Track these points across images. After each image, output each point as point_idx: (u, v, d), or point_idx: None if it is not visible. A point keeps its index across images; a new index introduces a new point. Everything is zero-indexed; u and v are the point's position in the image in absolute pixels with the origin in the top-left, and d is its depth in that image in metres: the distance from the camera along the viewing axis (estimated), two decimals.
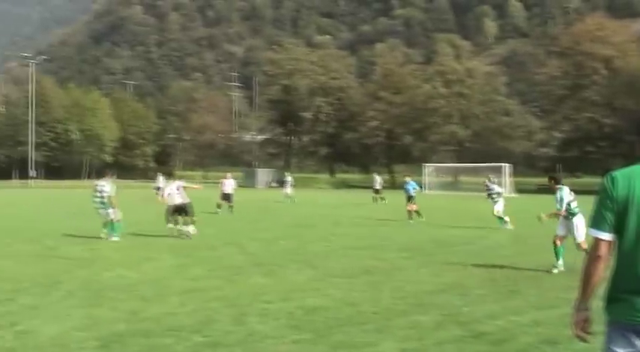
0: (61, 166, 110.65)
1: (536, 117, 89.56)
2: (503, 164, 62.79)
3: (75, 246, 16.54)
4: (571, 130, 78.82)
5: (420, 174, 73.08)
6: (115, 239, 18.02)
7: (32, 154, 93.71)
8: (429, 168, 69.47)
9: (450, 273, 11.70)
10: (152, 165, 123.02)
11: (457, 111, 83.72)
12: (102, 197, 18.50)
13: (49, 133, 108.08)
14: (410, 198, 26.59)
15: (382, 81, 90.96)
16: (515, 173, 69.98)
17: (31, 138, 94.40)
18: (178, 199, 19.16)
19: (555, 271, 12.10)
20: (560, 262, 12.34)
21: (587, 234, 11.31)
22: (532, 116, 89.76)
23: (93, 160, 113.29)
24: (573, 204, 12.68)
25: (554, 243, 12.59)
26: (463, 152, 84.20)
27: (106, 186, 18.72)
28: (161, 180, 45.24)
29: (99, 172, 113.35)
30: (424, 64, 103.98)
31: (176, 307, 8.95)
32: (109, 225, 18.40)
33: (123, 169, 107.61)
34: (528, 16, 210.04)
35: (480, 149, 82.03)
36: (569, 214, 12.57)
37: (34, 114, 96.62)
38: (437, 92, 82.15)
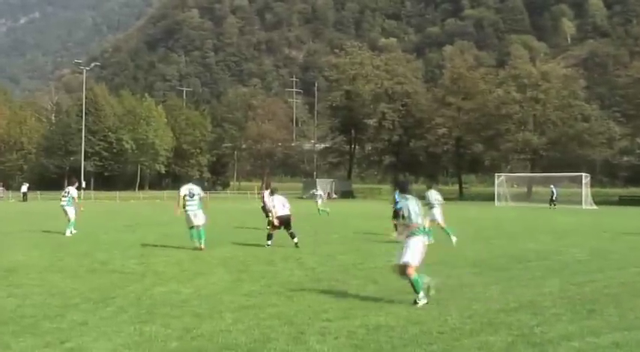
0: (112, 176, 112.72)
1: (617, 122, 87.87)
2: (581, 173, 61.76)
3: (127, 259, 16.76)
4: None
5: (491, 184, 72.39)
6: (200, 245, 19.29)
7: (82, 164, 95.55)
8: (500, 177, 68.71)
9: (522, 290, 11.51)
10: (207, 175, 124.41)
11: (532, 117, 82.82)
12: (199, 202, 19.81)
13: (101, 142, 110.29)
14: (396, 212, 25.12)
15: (451, 85, 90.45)
16: (595, 183, 68.90)
17: (83, 147, 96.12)
18: (287, 211, 20.15)
19: (420, 303, 10.36)
20: (422, 294, 10.47)
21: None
22: (613, 122, 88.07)
23: (146, 170, 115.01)
24: (422, 220, 10.86)
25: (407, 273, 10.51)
26: (538, 161, 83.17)
27: (202, 192, 20.14)
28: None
29: (152, 183, 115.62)
30: (496, 67, 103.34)
31: (230, 324, 8.98)
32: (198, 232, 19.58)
33: (177, 180, 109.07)
34: (609, 15, 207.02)
35: (556, 157, 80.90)
36: (414, 232, 10.65)
37: (85, 123, 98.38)
38: (510, 97, 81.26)
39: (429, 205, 21.65)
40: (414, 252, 10.52)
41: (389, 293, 11.49)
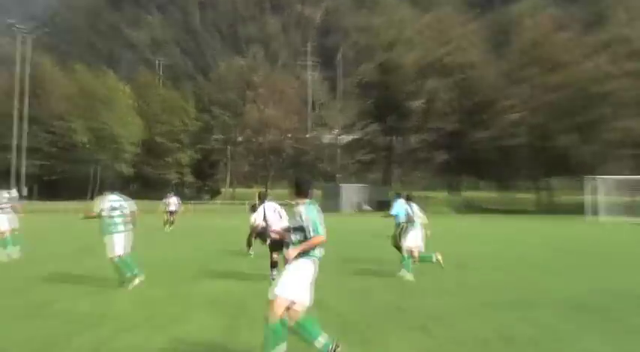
0: (60, 180, 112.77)
1: None
2: None
3: (78, 298, 16.63)
4: None
5: (581, 190, 71.75)
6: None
7: (24, 163, 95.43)
8: (595, 182, 68.17)
9: (635, 342, 11.26)
10: (189, 178, 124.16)
11: (638, 97, 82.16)
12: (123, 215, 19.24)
13: (45, 134, 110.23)
14: (400, 230, 22.07)
15: (526, 55, 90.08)
16: None
17: (20, 141, 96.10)
18: (284, 224, 19.43)
19: None
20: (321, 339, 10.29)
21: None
22: None
23: (105, 172, 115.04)
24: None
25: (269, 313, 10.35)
26: None
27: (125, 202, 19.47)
28: (175, 202, 47.96)
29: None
30: (587, 30, 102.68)
31: None
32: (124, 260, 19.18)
33: (148, 185, 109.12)
34: None
35: None
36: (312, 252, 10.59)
37: (26, 108, 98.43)
38: (607, 71, 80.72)
39: (411, 222, 21.35)
40: (295, 282, 10.43)
41: (445, 346, 11.26)
